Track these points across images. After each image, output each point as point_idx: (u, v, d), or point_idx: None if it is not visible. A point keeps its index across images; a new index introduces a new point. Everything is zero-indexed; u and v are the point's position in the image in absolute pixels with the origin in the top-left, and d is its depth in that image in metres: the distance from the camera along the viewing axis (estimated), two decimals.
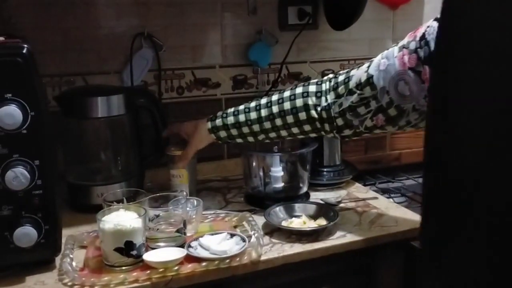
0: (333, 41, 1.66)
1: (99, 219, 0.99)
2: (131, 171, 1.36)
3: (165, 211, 1.07)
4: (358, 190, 1.46)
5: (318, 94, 1.14)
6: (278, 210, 1.23)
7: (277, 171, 1.32)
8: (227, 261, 1.02)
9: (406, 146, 1.82)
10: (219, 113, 1.24)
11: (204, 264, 1.01)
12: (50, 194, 0.98)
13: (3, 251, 0.97)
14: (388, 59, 1.03)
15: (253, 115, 1.19)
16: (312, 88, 1.15)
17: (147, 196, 1.10)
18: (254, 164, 1.35)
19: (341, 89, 1.10)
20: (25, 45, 0.94)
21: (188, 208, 1.13)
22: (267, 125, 1.18)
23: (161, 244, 1.06)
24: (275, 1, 1.58)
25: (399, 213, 1.28)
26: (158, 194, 1.14)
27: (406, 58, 0.98)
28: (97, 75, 1.43)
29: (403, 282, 1.24)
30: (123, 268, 0.99)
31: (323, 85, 1.14)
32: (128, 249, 0.99)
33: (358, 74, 1.08)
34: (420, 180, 1.67)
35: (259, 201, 1.33)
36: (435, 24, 0.93)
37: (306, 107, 1.14)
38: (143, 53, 1.46)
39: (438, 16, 0.74)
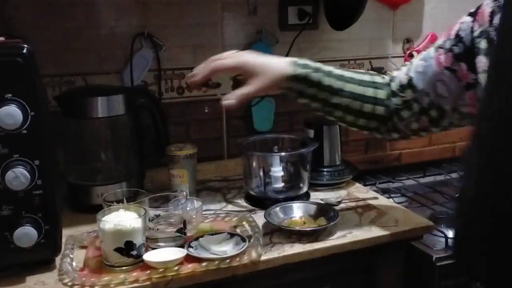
0: (333, 41, 1.66)
1: (99, 219, 0.99)
2: (131, 171, 1.36)
3: (165, 211, 1.07)
4: (358, 190, 1.46)
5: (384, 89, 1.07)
6: (278, 210, 1.23)
7: (277, 171, 1.32)
8: (227, 261, 1.02)
9: (406, 146, 1.82)
10: (302, 62, 1.03)
11: (204, 264, 1.01)
12: (50, 194, 0.98)
13: (3, 251, 0.96)
14: (425, 60, 1.01)
15: (339, 84, 1.03)
16: (379, 79, 1.07)
17: (147, 196, 1.10)
18: (254, 164, 1.35)
19: (388, 90, 1.07)
20: (25, 45, 0.94)
21: (188, 208, 1.13)
22: (345, 101, 1.03)
23: (161, 244, 1.06)
24: (275, 1, 1.58)
25: (399, 213, 1.28)
26: (158, 194, 1.14)
27: (442, 57, 0.97)
28: (97, 75, 1.43)
29: (403, 282, 1.24)
30: (123, 268, 0.99)
31: (382, 79, 1.08)
32: (128, 249, 0.99)
33: (400, 75, 1.06)
34: (420, 180, 1.69)
35: (259, 201, 1.33)
36: (469, 19, 0.92)
37: (374, 100, 1.05)
38: (143, 53, 1.46)
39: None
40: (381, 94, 1.06)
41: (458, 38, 0.94)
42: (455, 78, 0.95)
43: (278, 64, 1.01)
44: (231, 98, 1.01)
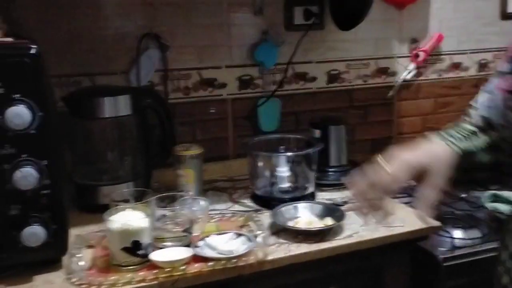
0: (339, 41, 1.66)
1: (106, 219, 1.00)
2: (138, 171, 1.36)
3: (171, 211, 1.08)
4: None
5: None
6: (285, 210, 1.23)
7: (283, 171, 1.32)
8: (234, 261, 1.02)
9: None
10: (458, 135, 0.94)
11: (210, 263, 1.01)
12: (57, 194, 0.98)
13: (11, 250, 0.97)
14: (491, 92, 0.94)
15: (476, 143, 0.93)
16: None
17: (154, 196, 1.10)
18: (260, 164, 1.35)
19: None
20: (34, 46, 0.95)
21: (194, 208, 1.13)
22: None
23: (168, 243, 1.06)
24: (281, 2, 1.58)
25: (406, 214, 1.27)
26: (164, 194, 1.14)
27: (503, 83, 0.92)
28: (104, 76, 1.44)
29: (410, 282, 1.24)
30: (130, 267, 0.99)
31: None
32: (135, 249, 0.99)
33: (474, 119, 0.96)
34: None
35: (265, 201, 1.33)
36: None
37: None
38: (150, 54, 1.46)
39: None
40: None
41: None
42: None
43: (438, 149, 0.92)
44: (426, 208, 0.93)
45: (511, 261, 0.92)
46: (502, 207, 1.39)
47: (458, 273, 1.21)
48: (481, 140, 0.93)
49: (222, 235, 1.09)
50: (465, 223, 1.34)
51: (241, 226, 1.20)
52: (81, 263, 1.01)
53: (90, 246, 1.10)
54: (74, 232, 1.11)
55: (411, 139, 1.90)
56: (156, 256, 1.01)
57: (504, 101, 0.90)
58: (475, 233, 1.29)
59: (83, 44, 1.41)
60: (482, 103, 0.95)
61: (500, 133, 0.91)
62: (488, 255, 1.22)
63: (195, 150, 1.34)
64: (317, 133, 1.48)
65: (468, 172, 0.93)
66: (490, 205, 1.43)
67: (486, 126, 0.93)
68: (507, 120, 0.90)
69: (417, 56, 1.75)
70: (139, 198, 1.13)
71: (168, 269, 0.99)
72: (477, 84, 1.87)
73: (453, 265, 1.20)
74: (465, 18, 1.82)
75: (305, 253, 1.09)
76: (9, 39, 1.00)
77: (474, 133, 0.94)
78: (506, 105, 0.90)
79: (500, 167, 0.96)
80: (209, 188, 1.45)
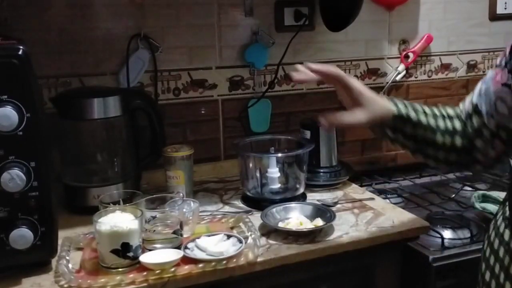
0: (330, 42, 1.67)
1: (96, 221, 0.99)
2: (128, 172, 1.35)
3: (161, 212, 1.07)
4: (355, 191, 1.46)
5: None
6: (275, 211, 1.23)
7: (274, 172, 1.32)
8: (224, 262, 1.02)
9: None
10: (404, 105, 1.01)
11: (200, 265, 1.01)
12: (46, 196, 0.98)
13: None
14: (486, 83, 0.98)
15: (431, 121, 1.01)
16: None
17: (143, 198, 1.10)
18: (250, 165, 1.35)
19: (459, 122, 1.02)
20: (21, 47, 0.94)
21: (184, 210, 1.13)
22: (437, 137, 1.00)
23: (158, 245, 1.06)
24: (272, 3, 1.58)
25: (395, 214, 1.28)
26: (154, 196, 1.14)
27: (499, 76, 0.94)
28: (94, 77, 1.43)
29: (400, 282, 1.25)
30: (120, 269, 0.99)
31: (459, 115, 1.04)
32: (125, 251, 0.98)
33: (465, 106, 1.02)
34: (416, 180, 1.69)
35: (256, 202, 1.33)
36: None
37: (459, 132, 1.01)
38: (140, 54, 1.46)
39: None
40: (458, 126, 1.01)
41: None
42: None
43: (384, 102, 1.00)
44: (334, 120, 0.99)
45: (494, 258, 0.92)
46: (492, 207, 1.40)
47: (448, 273, 1.21)
48: (448, 124, 1.01)
49: (213, 237, 1.09)
50: (455, 223, 1.35)
51: (232, 228, 1.19)
52: (70, 265, 1.01)
53: (79, 249, 1.10)
54: (63, 234, 1.10)
55: None
56: (146, 258, 1.00)
57: (496, 92, 0.94)
58: (465, 233, 1.30)
59: (72, 45, 1.40)
60: (476, 91, 1.00)
61: (487, 120, 0.96)
62: (478, 255, 1.22)
63: (185, 151, 1.34)
64: (307, 134, 1.48)
65: (394, 134, 1.00)
66: (480, 205, 1.44)
67: (473, 111, 0.99)
68: (496, 109, 0.94)
69: (406, 57, 1.76)
70: (128, 199, 1.12)
71: (158, 271, 0.98)
72: (466, 85, 1.89)
73: (443, 265, 1.21)
74: (455, 19, 1.83)
75: (295, 254, 1.09)
76: None
77: (443, 116, 1.01)
78: (497, 96, 0.94)
79: (472, 153, 1.01)
80: (200, 189, 1.45)
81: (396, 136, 1.01)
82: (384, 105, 0.99)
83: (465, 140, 1.01)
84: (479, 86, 1.00)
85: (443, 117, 1.02)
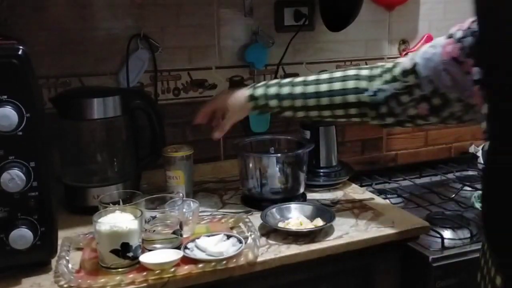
0: (330, 42, 1.67)
1: (95, 221, 0.99)
2: (127, 172, 1.35)
3: (161, 212, 1.07)
4: (355, 191, 1.46)
5: (370, 79, 1.11)
6: (275, 211, 1.23)
7: (274, 172, 1.32)
8: (224, 262, 1.02)
9: (402, 147, 1.83)
10: (261, 83, 1.20)
11: (200, 265, 1.01)
12: (46, 196, 0.98)
13: None
14: (434, 47, 1.00)
15: (298, 89, 1.15)
16: (365, 72, 1.12)
17: (143, 198, 1.10)
18: (250, 165, 1.34)
19: (387, 75, 1.09)
20: (21, 47, 0.94)
21: (184, 210, 1.13)
22: (311, 102, 1.14)
23: (158, 245, 1.06)
24: (272, 3, 1.58)
25: (395, 214, 1.28)
26: (154, 196, 1.13)
27: (450, 47, 0.95)
28: (93, 77, 1.43)
29: (399, 283, 1.24)
30: (120, 270, 0.99)
31: (374, 70, 1.12)
32: (125, 251, 0.98)
33: (405, 61, 1.06)
34: (416, 180, 1.69)
35: (255, 202, 1.33)
36: None
37: (357, 90, 1.11)
38: (139, 54, 1.46)
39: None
40: (365, 84, 1.10)
41: (470, 30, 0.91)
42: (461, 70, 0.94)
43: (239, 94, 1.20)
44: (220, 131, 1.26)
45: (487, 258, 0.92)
46: None
47: (448, 273, 1.21)
48: (338, 85, 1.12)
49: (212, 237, 1.09)
50: (455, 223, 1.34)
51: (232, 228, 1.19)
52: (70, 265, 1.01)
53: (79, 249, 1.10)
54: (62, 234, 1.10)
55: (401, 139, 1.92)
56: (146, 258, 1.00)
57: (444, 63, 0.96)
58: (465, 233, 1.30)
59: (72, 45, 1.40)
60: (423, 52, 1.02)
61: (424, 84, 1.01)
62: (477, 255, 1.22)
63: (185, 151, 1.34)
64: (307, 134, 1.48)
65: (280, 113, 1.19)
66: (480, 205, 1.44)
67: (412, 70, 1.03)
68: (439, 78, 0.98)
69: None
70: (128, 199, 1.12)
71: (158, 271, 0.98)
72: None
73: (443, 265, 1.21)
74: (455, 20, 1.79)
75: (295, 254, 1.09)
76: None
77: (331, 78, 1.14)
78: (444, 67, 0.96)
79: (381, 107, 1.09)
80: (199, 190, 1.45)
81: (273, 111, 1.19)
82: (240, 97, 1.19)
83: (372, 96, 1.09)
84: (425, 49, 1.02)
85: (350, 77, 1.12)
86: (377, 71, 1.11)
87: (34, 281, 0.99)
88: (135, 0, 1.44)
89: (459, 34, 0.94)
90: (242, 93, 1.20)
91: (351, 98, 1.11)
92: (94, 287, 0.94)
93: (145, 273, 0.98)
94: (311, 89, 1.14)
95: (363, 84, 1.11)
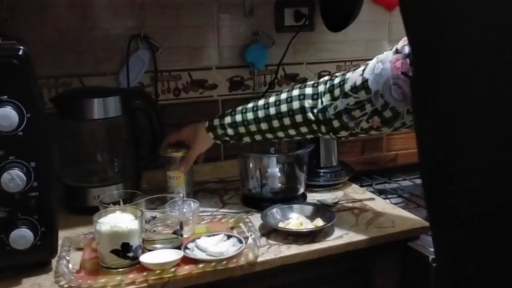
0: (330, 42, 1.67)
1: (96, 221, 0.99)
2: (128, 172, 1.35)
3: (161, 212, 1.07)
4: (355, 191, 1.46)
5: (315, 97, 1.15)
6: (275, 211, 1.23)
7: (274, 172, 1.32)
8: (224, 262, 1.02)
9: (402, 147, 1.83)
10: (218, 115, 1.27)
11: (201, 265, 1.01)
12: (46, 196, 0.98)
13: None
14: (383, 63, 1.03)
15: (250, 115, 1.21)
16: (309, 91, 1.16)
17: (143, 198, 1.10)
18: (251, 165, 1.34)
19: (336, 91, 1.12)
20: (21, 47, 0.94)
21: (184, 210, 1.13)
22: (264, 126, 1.20)
23: (158, 245, 1.06)
24: (272, 3, 1.58)
25: (396, 214, 1.28)
26: (154, 196, 1.13)
27: (399, 63, 1.00)
28: (94, 77, 1.43)
29: (400, 283, 1.24)
30: (120, 270, 0.99)
31: (319, 87, 1.16)
32: (125, 251, 0.98)
33: (354, 77, 1.09)
34: (417, 181, 1.69)
35: (256, 202, 1.33)
36: None
37: (302, 110, 1.16)
38: (140, 55, 1.46)
39: None
40: (310, 102, 1.15)
41: None
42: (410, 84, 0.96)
43: (200, 127, 1.27)
44: (185, 164, 1.30)
45: None
46: None
47: None
48: (286, 107, 1.16)
49: (213, 237, 1.09)
50: None
51: (232, 228, 1.19)
52: (70, 265, 1.01)
53: (79, 249, 1.10)
54: (63, 235, 1.10)
55: (401, 139, 1.92)
56: (146, 258, 1.00)
57: (394, 78, 1.00)
58: None
59: (72, 45, 1.40)
60: (371, 68, 1.06)
61: (374, 98, 1.05)
62: None
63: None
64: None
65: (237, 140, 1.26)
66: None
67: (362, 85, 1.06)
68: (390, 92, 1.02)
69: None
70: (128, 200, 1.12)
71: (158, 271, 0.98)
72: None
73: None
74: None
75: (295, 254, 1.09)
76: None
77: (277, 101, 1.18)
78: (394, 82, 1.00)
79: (332, 124, 1.13)
80: (200, 190, 1.45)
81: (231, 141, 1.26)
82: (200, 130, 1.27)
83: (320, 114, 1.13)
84: (374, 64, 1.06)
85: (295, 97, 1.16)
86: (324, 88, 1.15)
87: (35, 281, 0.99)
88: (135, 0, 1.44)
89: (406, 50, 0.99)
90: (202, 126, 1.27)
91: (299, 118, 1.16)
92: (94, 287, 0.94)
93: (145, 273, 0.98)
94: (261, 113, 1.19)
95: (308, 103, 1.15)
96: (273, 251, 1.09)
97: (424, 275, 1.22)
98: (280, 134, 1.20)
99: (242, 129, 1.22)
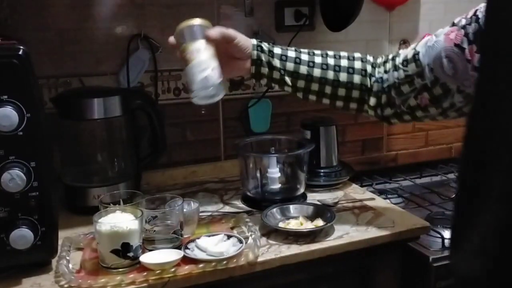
0: (330, 42, 1.66)
1: (96, 221, 0.99)
2: (128, 172, 1.35)
3: (162, 212, 1.07)
4: (355, 191, 1.46)
5: (374, 65, 1.10)
6: (275, 211, 1.23)
7: (274, 172, 1.32)
8: (224, 262, 1.02)
9: (402, 147, 1.83)
10: (266, 45, 1.10)
11: (201, 265, 1.01)
12: (46, 196, 0.98)
13: None
14: (437, 36, 1.00)
15: (305, 57, 1.08)
16: (370, 58, 1.11)
17: (143, 198, 1.10)
18: (251, 165, 1.34)
19: (388, 64, 1.08)
20: (22, 47, 0.94)
21: (185, 210, 1.13)
22: (317, 73, 1.07)
23: (158, 245, 1.05)
24: (272, 3, 1.58)
25: (396, 214, 1.28)
26: (155, 196, 1.14)
27: (453, 34, 0.95)
28: (94, 77, 1.43)
29: (400, 283, 1.24)
30: (120, 270, 0.99)
31: (377, 59, 1.12)
32: (125, 251, 0.98)
33: (406, 51, 1.06)
34: (417, 180, 1.69)
35: (256, 202, 1.33)
36: None
37: (363, 72, 1.08)
38: (140, 54, 1.46)
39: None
40: (370, 68, 1.08)
41: (475, 17, 0.91)
42: (463, 57, 0.93)
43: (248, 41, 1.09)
44: (214, 32, 1.05)
45: None
46: None
47: (448, 273, 1.21)
48: (345, 62, 1.08)
49: (213, 237, 1.09)
50: None
51: (232, 228, 1.19)
52: (71, 265, 1.01)
53: (80, 249, 1.10)
54: (63, 235, 1.10)
55: (402, 139, 1.92)
56: (146, 258, 1.00)
57: (446, 50, 0.96)
58: None
59: (72, 45, 1.40)
60: (425, 41, 1.03)
61: (426, 72, 0.99)
62: None
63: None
64: (307, 134, 1.48)
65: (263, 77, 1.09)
66: None
67: (413, 58, 1.02)
68: (441, 66, 0.97)
69: None
70: (129, 199, 1.13)
71: (158, 271, 0.98)
72: None
73: (444, 266, 1.20)
74: (454, 19, 1.83)
75: (295, 254, 1.09)
76: None
77: (337, 55, 1.09)
78: (446, 54, 0.95)
79: (382, 97, 1.08)
80: (200, 190, 1.45)
81: (265, 78, 1.08)
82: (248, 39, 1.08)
83: (376, 84, 1.07)
84: (427, 38, 1.02)
85: (355, 57, 1.08)
86: (379, 60, 1.11)
87: (35, 281, 0.99)
88: (135, 0, 1.44)
89: (463, 22, 0.94)
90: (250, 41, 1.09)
91: (356, 78, 1.08)
92: (94, 287, 0.94)
93: (145, 273, 0.98)
94: (318, 59, 1.08)
95: (369, 68, 1.09)
96: (273, 251, 1.09)
97: (424, 275, 1.22)
98: (327, 89, 1.08)
99: (290, 66, 1.07)
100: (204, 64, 1.01)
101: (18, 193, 0.95)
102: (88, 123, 1.30)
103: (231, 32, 1.06)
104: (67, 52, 1.40)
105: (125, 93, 1.35)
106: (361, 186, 1.55)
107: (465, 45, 0.93)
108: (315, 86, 1.08)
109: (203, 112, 1.56)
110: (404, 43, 1.76)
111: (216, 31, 1.04)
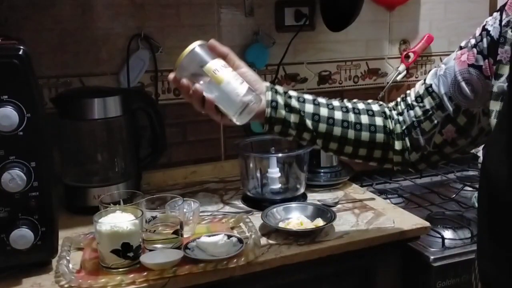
0: (330, 42, 1.67)
1: (96, 221, 0.99)
2: (128, 172, 1.35)
3: (162, 212, 1.07)
4: (355, 191, 1.46)
5: (389, 108, 1.02)
6: (276, 211, 1.23)
7: (274, 172, 1.32)
8: (224, 262, 1.02)
9: None
10: (280, 87, 0.97)
11: (201, 265, 1.01)
12: (46, 196, 0.98)
13: None
14: (446, 63, 0.95)
15: (324, 111, 0.97)
16: (383, 108, 1.01)
17: (144, 198, 1.10)
18: (251, 165, 1.34)
19: (400, 107, 1.01)
20: (22, 47, 0.94)
21: (185, 210, 1.13)
22: (337, 131, 0.97)
23: (158, 245, 1.05)
24: (272, 3, 1.58)
25: (396, 214, 1.28)
26: (155, 196, 1.14)
27: (464, 56, 0.91)
28: (94, 77, 1.43)
29: (400, 283, 1.24)
30: (120, 270, 0.99)
31: (389, 105, 1.04)
32: (125, 251, 0.98)
33: (415, 88, 1.00)
34: (417, 180, 1.69)
35: (256, 202, 1.33)
36: (496, 14, 0.86)
37: (385, 130, 0.99)
38: (140, 54, 1.46)
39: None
40: (378, 121, 0.99)
41: (485, 31, 0.87)
42: (481, 76, 0.88)
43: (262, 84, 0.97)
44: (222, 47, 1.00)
45: None
46: None
47: (448, 273, 1.21)
48: (366, 119, 0.98)
49: (213, 237, 1.09)
50: (455, 223, 1.34)
51: (232, 228, 1.19)
52: (71, 265, 1.01)
53: (80, 249, 1.10)
54: (63, 235, 1.10)
55: None
56: (146, 258, 1.00)
57: (462, 73, 0.91)
58: (465, 234, 1.30)
59: (72, 45, 1.40)
60: (434, 72, 0.97)
61: (446, 102, 0.93)
62: None
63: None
64: None
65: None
66: None
67: (426, 92, 0.96)
68: (460, 91, 0.91)
69: (407, 57, 1.75)
70: (129, 199, 1.13)
71: (158, 271, 0.98)
72: None
73: (443, 265, 1.20)
74: (455, 19, 1.83)
75: (296, 254, 1.09)
76: None
77: (356, 110, 0.98)
78: (463, 77, 0.91)
79: (404, 143, 0.99)
80: (200, 190, 1.45)
81: (280, 130, 0.96)
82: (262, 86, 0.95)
83: (387, 135, 0.99)
84: (435, 69, 0.97)
85: (362, 111, 0.99)
86: (390, 105, 1.03)
87: (35, 281, 0.99)
88: (135, 0, 1.44)
89: (472, 42, 0.91)
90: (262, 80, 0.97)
91: (380, 137, 0.98)
92: (94, 287, 0.94)
93: (145, 273, 0.98)
94: (338, 115, 0.97)
95: (388, 123, 0.99)
96: (274, 251, 1.09)
97: (424, 275, 1.22)
98: (348, 149, 0.98)
99: (309, 123, 0.96)
100: (233, 83, 0.91)
101: (18, 193, 0.95)
102: (88, 123, 1.30)
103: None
104: (67, 52, 1.40)
105: (125, 93, 1.35)
106: (361, 186, 1.55)
107: (481, 62, 0.88)
108: (333, 146, 0.98)
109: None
110: (404, 43, 1.76)
111: (222, 47, 0.98)
